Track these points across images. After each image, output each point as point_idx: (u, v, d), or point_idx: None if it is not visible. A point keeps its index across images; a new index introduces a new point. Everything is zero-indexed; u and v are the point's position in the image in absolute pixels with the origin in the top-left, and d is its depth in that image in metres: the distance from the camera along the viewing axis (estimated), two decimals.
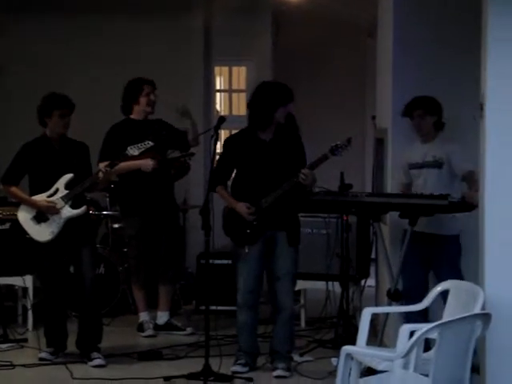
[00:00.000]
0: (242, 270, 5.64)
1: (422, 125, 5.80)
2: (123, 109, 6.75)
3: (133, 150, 6.00)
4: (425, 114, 5.77)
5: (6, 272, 6.72)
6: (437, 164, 5.73)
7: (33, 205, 5.94)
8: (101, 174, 5.90)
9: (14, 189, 6.01)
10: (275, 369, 5.71)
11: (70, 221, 5.91)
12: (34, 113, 6.01)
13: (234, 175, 5.81)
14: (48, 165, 5.94)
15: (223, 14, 8.74)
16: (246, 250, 5.58)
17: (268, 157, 5.64)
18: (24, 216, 5.98)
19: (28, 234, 5.98)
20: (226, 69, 9.35)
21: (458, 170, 5.67)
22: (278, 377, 5.65)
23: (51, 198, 5.91)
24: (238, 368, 5.69)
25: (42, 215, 5.92)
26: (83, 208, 5.98)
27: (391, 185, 6.20)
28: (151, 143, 6.06)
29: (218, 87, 9.34)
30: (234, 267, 5.76)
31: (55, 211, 5.89)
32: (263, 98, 5.63)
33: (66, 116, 5.94)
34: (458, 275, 5.35)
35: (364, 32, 9.18)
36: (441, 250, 5.69)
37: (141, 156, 6.32)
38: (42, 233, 5.92)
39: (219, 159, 5.84)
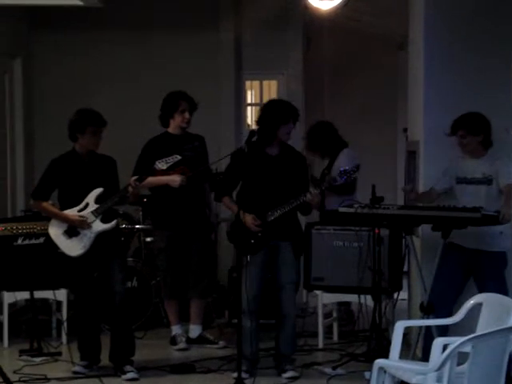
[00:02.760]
0: (245, 277, 5.69)
1: (464, 144, 5.75)
2: (161, 121, 6.79)
3: (161, 164, 6.06)
4: (467, 135, 5.70)
5: (40, 286, 6.76)
6: (486, 181, 5.69)
7: (64, 219, 5.99)
8: (130, 189, 5.93)
9: (45, 204, 6.07)
10: (284, 371, 5.89)
11: (100, 235, 5.96)
12: (62, 128, 6.08)
13: (239, 187, 6.00)
14: (77, 179, 5.99)
15: (253, 27, 8.77)
16: (248, 259, 5.74)
17: (273, 171, 5.86)
18: (55, 231, 6.03)
19: (59, 249, 6.03)
20: (256, 82, 9.37)
21: (501, 184, 5.64)
22: (290, 378, 5.84)
23: (82, 213, 5.96)
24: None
25: (73, 230, 5.97)
26: (114, 222, 6.02)
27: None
28: (179, 157, 6.13)
29: (248, 101, 9.37)
30: (238, 275, 5.84)
31: (86, 226, 5.94)
32: (267, 115, 5.91)
33: (98, 133, 6.00)
34: (503, 291, 5.28)
35: (395, 45, 9.18)
36: (486, 265, 5.64)
37: (170, 171, 6.37)
38: (73, 247, 5.97)
39: (226, 170, 6.09)
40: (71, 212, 5.97)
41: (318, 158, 7.60)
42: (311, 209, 5.97)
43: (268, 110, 5.96)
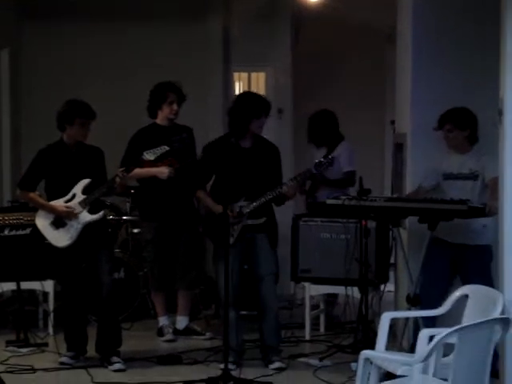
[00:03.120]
0: (222, 269, 5.68)
1: (450, 139, 5.77)
2: (149, 112, 6.78)
3: (149, 155, 6.06)
4: (453, 129, 5.73)
5: (27, 277, 6.75)
6: (472, 176, 5.71)
7: (51, 210, 5.97)
8: (117, 179, 5.92)
9: (32, 195, 6.06)
10: (271, 362, 5.91)
11: (87, 226, 5.95)
12: (49, 119, 6.08)
13: (212, 180, 6.01)
14: (65, 170, 5.98)
15: (242, 19, 8.76)
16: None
17: (246, 163, 5.85)
18: (42, 222, 6.02)
19: (47, 240, 6.02)
20: (245, 74, 9.36)
21: (486, 179, 5.66)
22: (277, 369, 5.85)
23: (69, 204, 5.95)
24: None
25: (60, 221, 5.96)
26: (101, 213, 6.02)
27: (410, 189, 6.20)
28: (167, 148, 6.12)
29: (237, 93, 9.35)
30: (215, 267, 5.90)
31: (74, 216, 5.93)
32: (240, 108, 5.89)
33: (87, 125, 5.98)
34: (489, 285, 5.30)
35: (383, 37, 9.18)
36: (471, 259, 5.67)
37: (158, 163, 6.36)
38: (60, 238, 5.96)
39: (199, 164, 6.10)
40: (58, 203, 5.96)
41: (312, 146, 7.54)
42: (285, 200, 5.95)
43: (240, 104, 5.94)
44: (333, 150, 7.28)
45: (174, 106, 6.69)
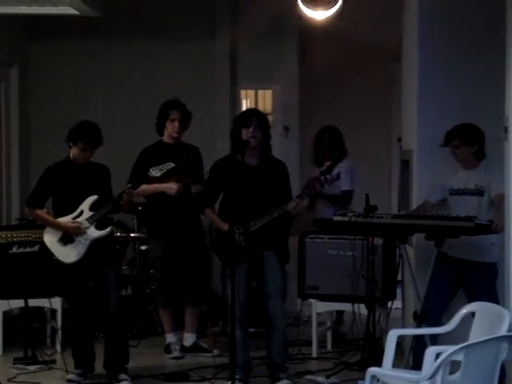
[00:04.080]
0: (232, 287, 5.66)
1: (458, 154, 5.79)
2: (157, 129, 6.82)
3: (155, 171, 6.12)
4: (460, 145, 5.75)
5: (35, 294, 6.77)
6: (478, 192, 5.72)
7: (59, 227, 6.00)
8: (124, 196, 5.96)
9: (39, 212, 6.08)
10: (278, 379, 5.90)
11: (95, 242, 5.98)
12: (58, 137, 6.09)
13: (221, 198, 6.03)
14: (72, 187, 6.01)
15: (249, 37, 8.80)
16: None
17: (253, 181, 5.86)
18: (50, 238, 6.05)
19: (54, 256, 6.04)
20: (252, 92, 9.40)
21: (492, 194, 5.66)
22: None
23: (77, 220, 5.98)
24: None
25: (67, 237, 5.98)
26: (108, 229, 6.05)
27: (416, 206, 6.20)
28: (173, 164, 6.15)
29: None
30: (223, 285, 5.90)
31: (81, 233, 5.95)
32: (233, 124, 6.02)
33: (87, 151, 6.01)
34: (494, 302, 5.30)
35: (389, 54, 9.21)
36: (478, 276, 5.67)
37: (166, 179, 6.40)
38: (68, 254, 5.98)
39: (207, 182, 6.14)
40: (65, 219, 5.99)
41: (314, 164, 7.60)
42: (292, 217, 5.97)
43: (234, 119, 6.09)
44: (335, 165, 7.34)
45: (176, 124, 6.71)
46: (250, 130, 5.83)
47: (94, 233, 5.98)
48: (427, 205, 5.96)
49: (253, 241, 5.82)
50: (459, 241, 5.61)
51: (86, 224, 5.97)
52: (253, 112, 6.11)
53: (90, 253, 5.97)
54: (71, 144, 6.00)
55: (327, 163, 7.48)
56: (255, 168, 5.94)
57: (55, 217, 6.05)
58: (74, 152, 6.03)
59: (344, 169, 7.24)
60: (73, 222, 5.96)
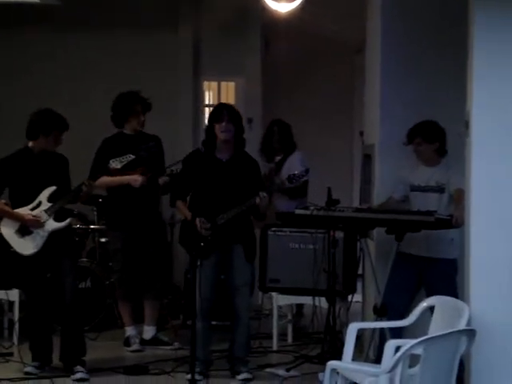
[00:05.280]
0: (198, 280, 5.68)
1: (420, 152, 5.82)
2: (114, 122, 6.73)
3: (115, 163, 6.06)
4: (423, 142, 5.77)
5: None
6: (439, 189, 5.75)
7: (17, 219, 5.91)
8: (84, 187, 5.90)
9: None
10: (238, 373, 5.90)
11: (52, 234, 5.90)
12: (18, 128, 6.02)
13: (192, 192, 6.00)
14: (30, 177, 5.92)
15: (212, 28, 8.78)
16: (200, 262, 5.67)
17: (223, 176, 5.86)
18: (7, 230, 5.95)
19: (12, 248, 5.95)
20: (214, 84, 9.37)
21: (452, 189, 5.69)
22: (244, 380, 5.85)
23: (35, 211, 5.90)
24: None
25: (25, 229, 5.90)
26: (67, 221, 5.98)
27: (378, 200, 6.22)
28: (132, 156, 6.12)
29: (206, 102, 9.36)
30: (191, 277, 5.86)
31: (40, 225, 5.88)
32: (208, 119, 6.03)
33: (60, 137, 5.96)
34: (454, 297, 5.32)
35: (352, 48, 9.23)
36: (437, 272, 5.69)
37: (129, 171, 6.35)
38: (26, 246, 5.90)
39: (179, 175, 6.14)
40: (24, 211, 5.91)
41: (263, 159, 7.61)
42: (260, 212, 5.95)
43: (209, 115, 6.09)
44: (286, 158, 7.38)
45: (141, 118, 6.67)
46: (223, 124, 5.82)
47: (52, 225, 5.91)
48: (392, 201, 5.98)
49: (221, 234, 5.79)
50: (419, 237, 5.64)
51: (44, 215, 5.89)
52: (224, 106, 6.09)
53: (47, 244, 5.89)
54: (42, 135, 5.88)
55: (278, 157, 7.51)
56: (226, 163, 5.92)
57: (12, 207, 5.96)
58: (42, 142, 5.91)
59: (296, 161, 7.26)
60: (32, 215, 5.88)
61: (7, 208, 5.98)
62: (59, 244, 5.93)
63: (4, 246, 6.04)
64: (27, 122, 5.95)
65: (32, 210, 5.91)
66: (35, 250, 5.88)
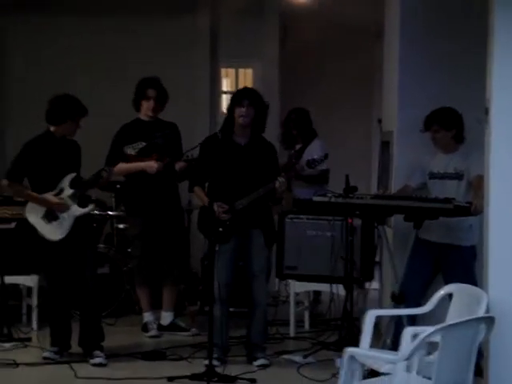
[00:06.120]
0: (216, 265, 5.69)
1: (437, 139, 5.79)
2: (134, 106, 6.77)
3: (129, 150, 6.06)
4: (440, 129, 5.74)
5: (11, 271, 6.71)
6: (457, 176, 5.73)
7: (44, 203, 5.91)
8: (104, 173, 5.92)
9: (22, 186, 5.99)
10: (255, 359, 5.91)
11: (77, 219, 5.92)
12: (35, 112, 6.01)
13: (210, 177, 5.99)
14: (52, 163, 5.93)
15: (230, 15, 8.74)
16: (218, 248, 5.69)
17: (242, 160, 5.85)
18: (34, 216, 5.96)
19: (39, 234, 5.95)
20: (232, 70, 9.35)
21: (471, 177, 5.67)
22: (261, 366, 5.86)
23: (58, 197, 5.92)
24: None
25: (51, 214, 5.92)
26: (91, 206, 6.03)
27: (395, 188, 6.20)
28: (144, 143, 6.13)
29: (224, 89, 9.34)
30: (208, 263, 5.87)
31: (66, 209, 5.89)
32: (229, 101, 5.98)
33: (79, 123, 5.98)
34: (473, 284, 5.30)
35: (371, 34, 9.18)
36: (456, 259, 5.68)
37: (145, 158, 6.38)
38: (54, 232, 5.92)
39: (197, 161, 6.08)
40: (49, 196, 5.92)
41: (282, 146, 7.62)
42: (277, 197, 5.95)
43: (231, 97, 6.04)
44: (306, 146, 7.36)
45: (152, 103, 6.66)
46: (242, 109, 5.80)
47: (77, 210, 5.93)
48: (408, 189, 5.95)
49: (239, 219, 5.79)
50: (437, 224, 5.62)
51: (69, 201, 5.91)
52: (247, 91, 6.06)
53: (71, 230, 5.91)
54: (68, 120, 5.89)
55: (298, 145, 7.49)
56: (244, 147, 5.91)
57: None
58: (65, 128, 5.92)
59: (317, 149, 7.24)
60: (58, 199, 5.89)
61: (34, 193, 5.97)
62: (81, 231, 5.96)
63: (26, 232, 6.06)
64: (49, 107, 5.95)
65: (55, 195, 5.92)
66: (64, 235, 5.90)
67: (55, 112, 5.91)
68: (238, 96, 5.91)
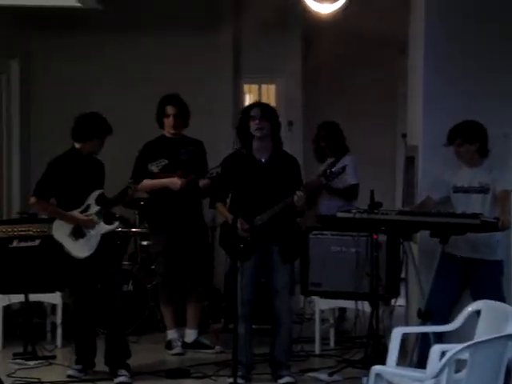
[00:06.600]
0: (239, 282, 5.67)
1: (461, 153, 5.74)
2: (158, 123, 6.77)
3: (153, 167, 6.05)
4: (463, 143, 5.70)
5: (35, 289, 6.72)
6: (482, 190, 5.68)
7: (71, 219, 5.92)
8: (130, 191, 5.93)
9: (49, 203, 5.98)
10: (280, 377, 5.86)
11: (103, 236, 5.92)
12: (59, 130, 6.01)
13: (232, 193, 5.98)
14: (79, 180, 5.95)
15: (253, 30, 8.74)
16: (240, 264, 5.66)
17: (263, 177, 5.83)
18: (61, 233, 5.97)
19: (66, 251, 5.94)
20: (255, 86, 9.35)
21: (497, 191, 5.60)
22: (286, 383, 5.82)
23: (87, 214, 5.92)
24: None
25: (78, 231, 5.92)
26: (117, 223, 6.04)
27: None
28: (166, 161, 6.16)
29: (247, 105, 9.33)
30: (231, 280, 5.84)
31: (93, 226, 5.89)
32: (240, 118, 5.97)
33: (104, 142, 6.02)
34: (500, 300, 5.23)
35: (395, 49, 9.14)
36: (484, 274, 5.63)
37: (169, 174, 6.38)
38: (81, 249, 5.92)
39: (219, 178, 6.09)
40: (76, 213, 5.92)
41: (316, 160, 7.57)
42: (298, 210, 5.89)
43: (241, 114, 6.03)
44: (338, 161, 7.29)
45: (171, 120, 6.66)
46: (256, 121, 5.78)
47: (103, 227, 5.94)
48: (430, 202, 5.90)
49: (260, 235, 5.76)
50: (465, 239, 5.57)
51: (95, 218, 5.92)
52: (258, 104, 6.08)
53: (98, 247, 5.91)
54: (95, 138, 5.92)
55: (329, 160, 7.44)
56: (266, 164, 5.88)
57: None
58: (91, 146, 5.95)
59: (348, 163, 7.19)
60: (85, 215, 5.90)
61: (62, 210, 5.98)
62: (106, 248, 5.95)
63: (51, 250, 6.06)
64: (75, 124, 5.98)
65: (81, 212, 5.92)
66: (90, 253, 5.89)
67: (81, 129, 5.95)
68: (249, 110, 5.89)
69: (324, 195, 7.22)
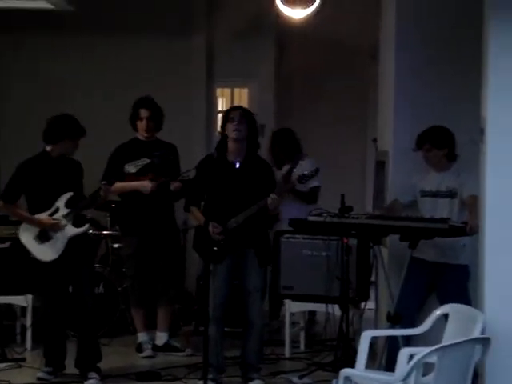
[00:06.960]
0: (211, 285, 5.68)
1: (429, 157, 5.81)
2: (131, 126, 6.77)
3: (130, 168, 6.08)
4: (431, 148, 5.76)
5: (4, 291, 6.69)
6: (450, 194, 5.74)
7: (37, 223, 5.91)
8: (101, 192, 5.92)
9: (16, 207, 5.98)
10: (251, 379, 5.88)
11: (70, 240, 5.90)
12: (30, 131, 5.99)
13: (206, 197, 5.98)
14: (48, 182, 5.92)
15: (226, 34, 8.77)
16: (213, 268, 5.69)
17: (236, 181, 5.85)
18: (26, 236, 5.95)
19: (31, 254, 5.93)
20: (227, 90, 9.37)
21: (464, 196, 5.67)
22: None
23: (54, 217, 5.90)
24: None
25: (44, 234, 5.90)
26: (86, 226, 6.00)
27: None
28: (147, 160, 6.11)
29: (219, 108, 9.36)
30: (203, 283, 5.84)
31: (59, 229, 5.87)
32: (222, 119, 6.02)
33: (77, 143, 5.99)
34: (467, 304, 5.29)
35: (367, 54, 9.21)
36: (450, 278, 5.69)
37: (140, 177, 6.37)
38: (46, 252, 5.90)
39: (192, 181, 6.12)
40: (42, 216, 5.91)
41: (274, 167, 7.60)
42: (271, 214, 5.93)
43: (222, 115, 6.10)
44: (295, 166, 7.31)
45: (144, 123, 6.66)
46: (235, 123, 5.82)
47: (71, 230, 5.91)
48: (397, 205, 5.96)
49: (234, 238, 5.79)
50: (431, 243, 5.62)
51: (64, 221, 5.89)
52: (238, 108, 6.13)
53: (66, 250, 5.89)
54: (66, 139, 5.89)
55: (286, 166, 7.46)
56: (239, 168, 5.89)
57: (29, 213, 5.96)
58: (63, 147, 5.92)
59: (308, 167, 7.22)
60: (52, 219, 5.88)
61: (26, 213, 5.96)
62: (77, 251, 5.93)
63: (20, 252, 6.04)
64: (47, 126, 5.96)
65: (50, 215, 5.90)
66: (56, 256, 5.87)
67: (52, 131, 5.92)
68: (229, 112, 5.96)
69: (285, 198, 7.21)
